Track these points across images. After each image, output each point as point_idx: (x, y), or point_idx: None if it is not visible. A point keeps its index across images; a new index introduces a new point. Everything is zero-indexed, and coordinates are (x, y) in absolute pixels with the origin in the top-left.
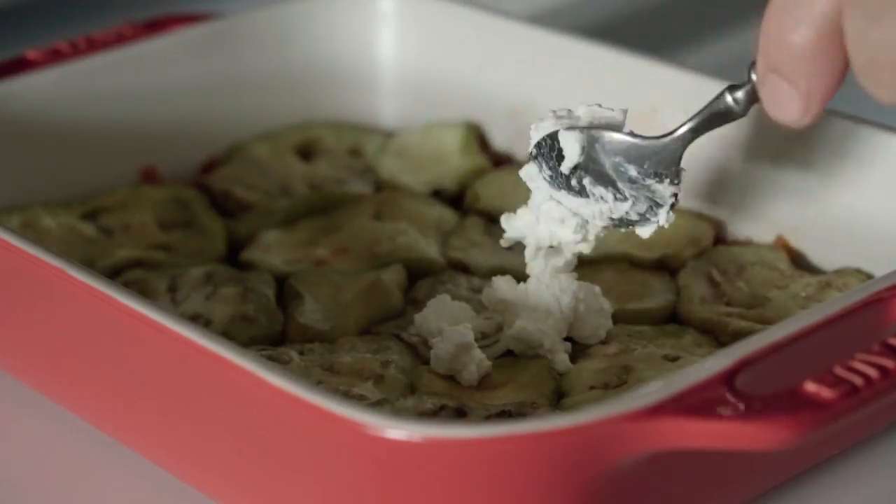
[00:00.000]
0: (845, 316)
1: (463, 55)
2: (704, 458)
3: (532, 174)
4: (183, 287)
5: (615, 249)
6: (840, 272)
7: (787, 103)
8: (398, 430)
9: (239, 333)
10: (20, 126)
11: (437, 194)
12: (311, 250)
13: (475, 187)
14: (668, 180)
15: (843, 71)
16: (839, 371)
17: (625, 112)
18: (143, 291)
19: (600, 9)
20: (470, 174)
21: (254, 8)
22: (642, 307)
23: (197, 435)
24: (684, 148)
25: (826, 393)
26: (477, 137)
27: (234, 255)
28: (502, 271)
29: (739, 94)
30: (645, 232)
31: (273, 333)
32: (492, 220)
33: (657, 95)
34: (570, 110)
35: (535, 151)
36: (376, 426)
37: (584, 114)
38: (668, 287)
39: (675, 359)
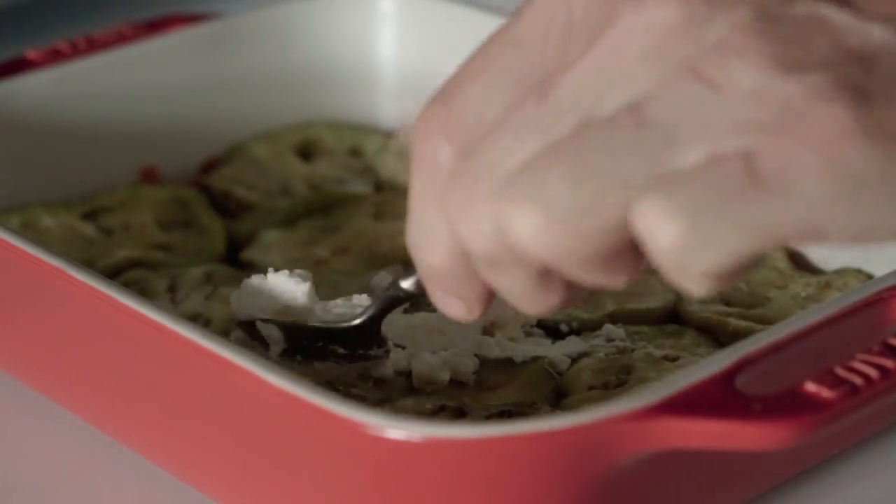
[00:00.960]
0: (845, 316)
1: (463, 55)
2: (704, 458)
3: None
4: (183, 287)
5: None
6: (840, 272)
7: (448, 308)
8: (398, 430)
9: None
10: (20, 126)
11: None
12: (311, 250)
13: None
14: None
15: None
16: (839, 371)
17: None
18: (143, 291)
19: None
20: None
21: (254, 8)
22: (642, 307)
23: (197, 435)
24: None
25: (826, 393)
26: None
27: (234, 255)
28: None
29: (408, 284)
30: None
31: None
32: None
33: None
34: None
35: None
36: (376, 426)
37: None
38: (669, 287)
39: (675, 359)
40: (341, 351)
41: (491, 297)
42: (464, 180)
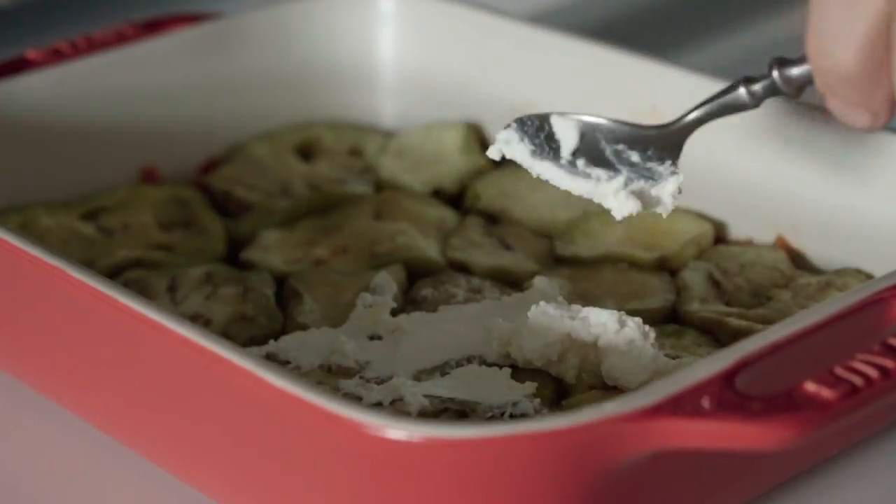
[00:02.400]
0: (845, 316)
1: (463, 55)
2: (704, 458)
3: (511, 139)
4: (183, 287)
5: (615, 249)
6: (840, 272)
7: (853, 118)
8: (398, 430)
9: (238, 333)
10: (20, 126)
11: (437, 194)
12: (311, 250)
13: (475, 187)
14: (668, 162)
15: None
16: (839, 371)
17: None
18: (142, 291)
19: (600, 9)
20: (470, 174)
21: (254, 8)
22: (642, 307)
23: (197, 435)
24: (688, 136)
25: (826, 393)
26: (477, 137)
27: (234, 255)
28: (502, 271)
29: (756, 88)
30: (661, 191)
31: (272, 333)
32: (492, 220)
33: (657, 95)
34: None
35: (516, 125)
36: (376, 426)
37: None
38: (668, 287)
39: (675, 359)
40: (634, 158)
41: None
42: None
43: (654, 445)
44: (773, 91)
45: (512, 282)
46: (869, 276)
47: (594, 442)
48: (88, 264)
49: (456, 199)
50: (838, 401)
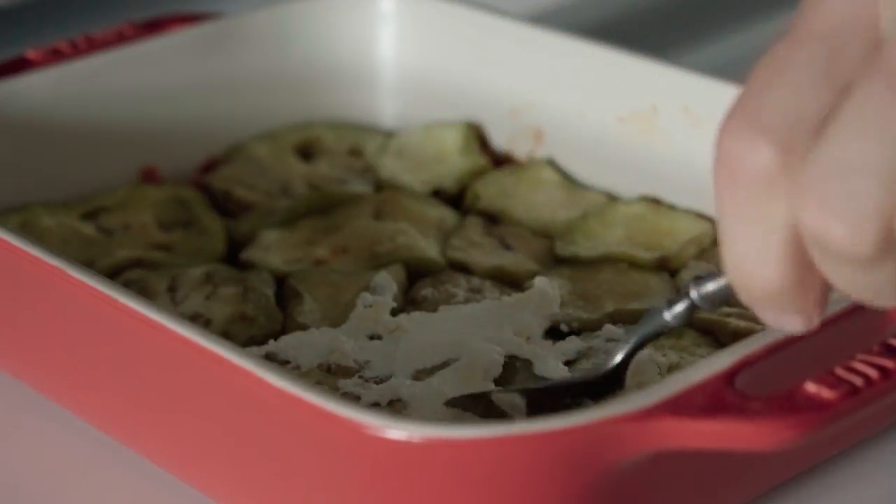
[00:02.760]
0: (845, 316)
1: (463, 55)
2: (704, 458)
3: None
4: (183, 287)
5: (615, 249)
6: None
7: (786, 323)
8: (398, 430)
9: (238, 333)
10: (20, 126)
11: (437, 194)
12: (311, 250)
13: (475, 187)
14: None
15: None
16: (839, 371)
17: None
18: (142, 291)
19: (600, 9)
20: (470, 174)
21: (254, 8)
22: (642, 307)
23: (197, 435)
24: (626, 372)
25: (826, 393)
26: (477, 137)
27: (234, 255)
28: (502, 271)
29: (679, 311)
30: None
31: (272, 333)
32: (492, 220)
33: (657, 95)
34: None
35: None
36: (376, 426)
37: None
38: (669, 287)
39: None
40: (589, 403)
41: (826, 300)
42: (816, 175)
43: (654, 445)
44: (694, 309)
45: (512, 282)
46: None
47: (594, 442)
48: (88, 264)
49: (456, 199)
50: (838, 401)
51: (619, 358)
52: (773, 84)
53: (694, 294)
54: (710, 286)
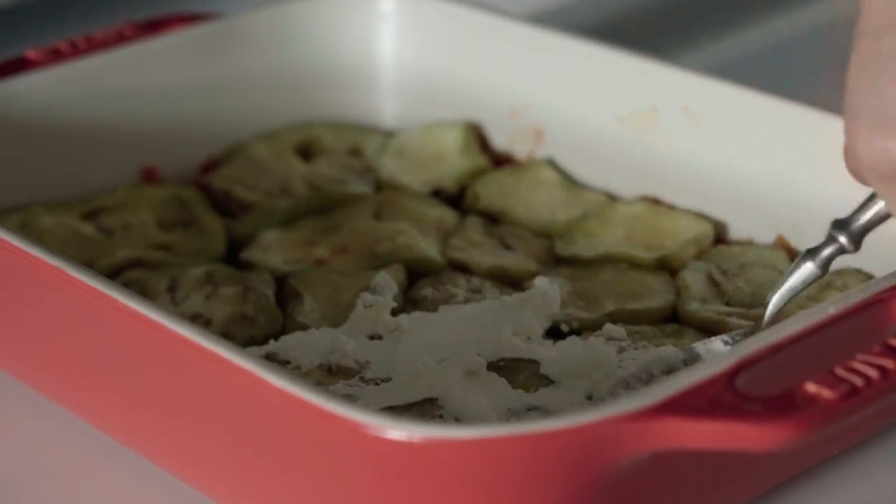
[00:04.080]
0: (846, 316)
1: (463, 55)
2: (705, 458)
3: None
4: (183, 287)
5: (615, 249)
6: (840, 272)
7: None
8: (398, 430)
9: (238, 333)
10: (20, 126)
11: (437, 194)
12: (311, 250)
13: (475, 187)
14: None
15: None
16: (839, 371)
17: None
18: (142, 291)
19: (600, 9)
20: (470, 174)
21: (254, 8)
22: (642, 307)
23: (197, 435)
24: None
25: (826, 393)
26: (477, 137)
27: (234, 255)
28: (502, 271)
29: (825, 256)
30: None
31: (272, 333)
32: (492, 220)
33: (657, 95)
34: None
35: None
36: (376, 426)
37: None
38: (669, 287)
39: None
40: None
41: None
42: None
43: (654, 445)
44: (840, 253)
45: (512, 282)
46: (869, 277)
47: (594, 442)
48: (88, 264)
49: (456, 199)
50: (838, 401)
51: (770, 313)
52: (880, 80)
53: (842, 239)
54: (853, 226)
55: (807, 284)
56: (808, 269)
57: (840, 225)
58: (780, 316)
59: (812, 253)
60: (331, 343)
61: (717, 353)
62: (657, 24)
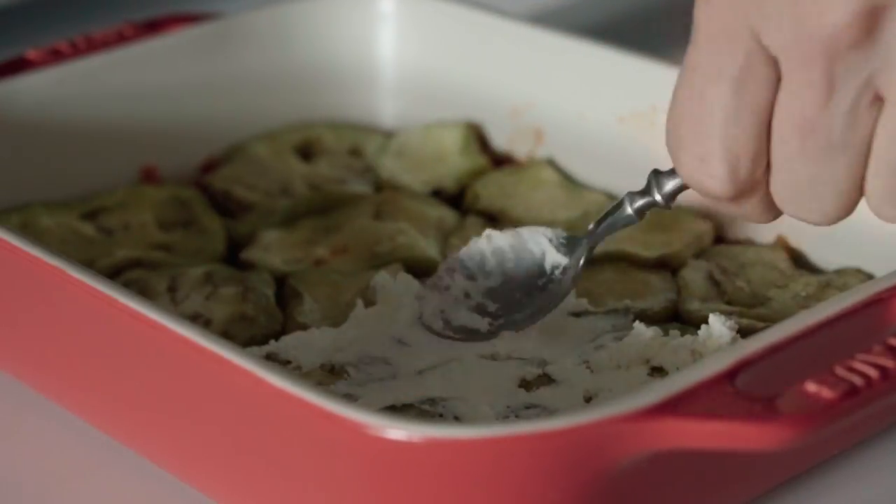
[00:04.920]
0: (846, 316)
1: (463, 55)
2: (705, 458)
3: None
4: (183, 287)
5: (616, 248)
6: (840, 272)
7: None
8: (398, 430)
9: (238, 333)
10: (20, 126)
11: (437, 194)
12: (311, 250)
13: (475, 187)
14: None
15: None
16: (840, 371)
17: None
18: (142, 291)
19: (600, 9)
20: (470, 174)
21: (254, 8)
22: (644, 306)
23: (197, 435)
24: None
25: (826, 393)
26: (477, 137)
27: (234, 255)
28: None
29: (639, 205)
30: None
31: (272, 333)
32: (492, 220)
33: (657, 95)
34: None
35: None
36: (376, 426)
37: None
38: (670, 286)
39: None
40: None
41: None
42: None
43: (654, 445)
44: (652, 205)
45: None
46: (869, 276)
47: (594, 442)
48: (88, 264)
49: (456, 199)
50: (838, 401)
51: (582, 252)
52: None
53: (656, 193)
54: (669, 184)
55: (623, 226)
56: (626, 212)
57: (658, 177)
58: (781, 315)
59: (631, 197)
60: (331, 343)
61: None
62: (657, 24)
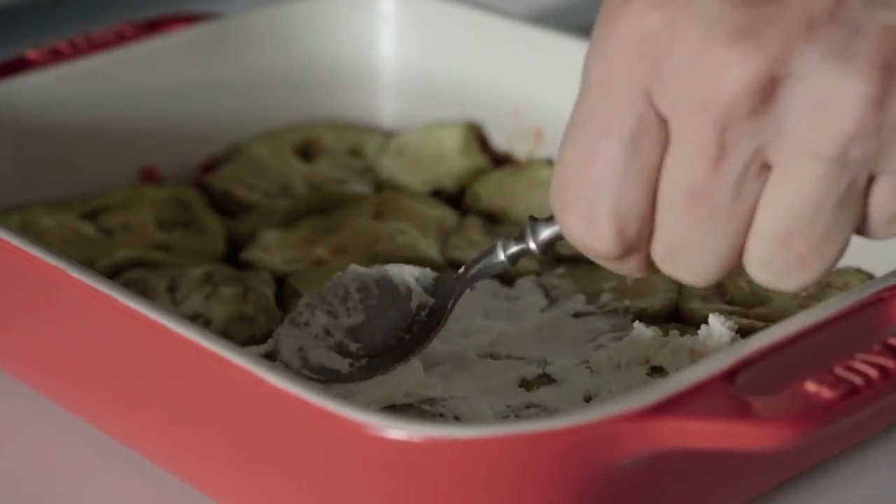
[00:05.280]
0: (846, 316)
1: (463, 55)
2: (705, 458)
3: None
4: (183, 287)
5: None
6: (840, 272)
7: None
8: (398, 430)
9: (238, 333)
10: (20, 126)
11: (437, 194)
12: (311, 250)
13: (475, 187)
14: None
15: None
16: (839, 371)
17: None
18: (142, 291)
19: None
20: (470, 174)
21: (254, 8)
22: (645, 305)
23: (196, 435)
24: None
25: (826, 393)
26: (477, 137)
27: (234, 255)
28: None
29: (512, 252)
30: None
31: (272, 333)
32: (492, 220)
33: None
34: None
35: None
36: (376, 426)
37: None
38: (670, 285)
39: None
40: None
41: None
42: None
43: (654, 445)
44: (525, 253)
45: (512, 281)
46: (869, 276)
47: (594, 442)
48: (88, 264)
49: (456, 199)
50: (838, 401)
51: (452, 295)
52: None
53: (530, 241)
54: (545, 232)
55: (496, 272)
56: (499, 258)
57: (534, 225)
58: (781, 315)
59: (505, 244)
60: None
61: None
62: None
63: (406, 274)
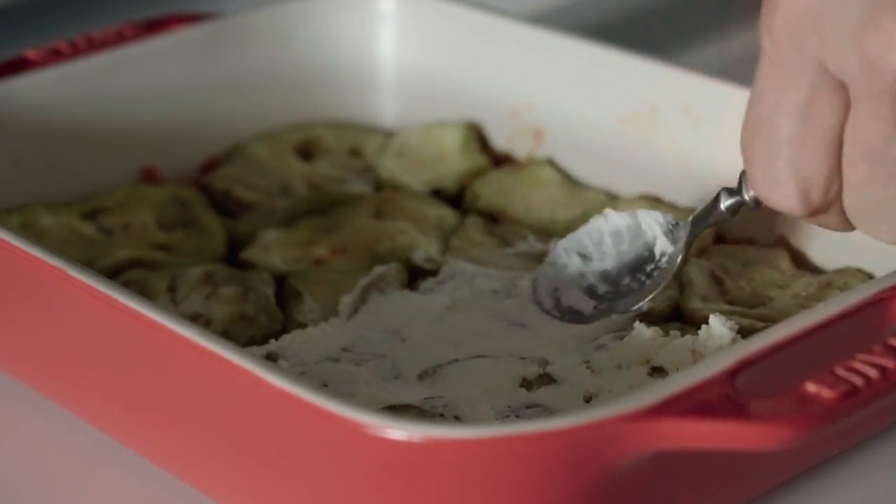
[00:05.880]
0: (846, 316)
1: (463, 55)
2: (705, 458)
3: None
4: (183, 287)
5: None
6: (840, 272)
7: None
8: (398, 430)
9: (239, 333)
10: (20, 126)
11: (437, 194)
12: (311, 250)
13: (475, 187)
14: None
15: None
16: (840, 371)
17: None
18: (142, 291)
19: (600, 9)
20: (470, 174)
21: (254, 8)
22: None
23: (197, 435)
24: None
25: (826, 393)
26: (477, 137)
27: (234, 255)
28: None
29: (731, 203)
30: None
31: (272, 333)
32: (492, 220)
33: (657, 95)
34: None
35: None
36: (376, 426)
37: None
38: (671, 284)
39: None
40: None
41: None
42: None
43: (654, 445)
44: (742, 205)
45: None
46: (869, 276)
47: (594, 442)
48: (88, 264)
49: (456, 198)
50: (838, 401)
51: (681, 246)
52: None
53: (745, 194)
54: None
55: (717, 221)
56: (719, 209)
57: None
58: (781, 315)
59: (723, 195)
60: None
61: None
62: (657, 24)
63: (653, 220)
